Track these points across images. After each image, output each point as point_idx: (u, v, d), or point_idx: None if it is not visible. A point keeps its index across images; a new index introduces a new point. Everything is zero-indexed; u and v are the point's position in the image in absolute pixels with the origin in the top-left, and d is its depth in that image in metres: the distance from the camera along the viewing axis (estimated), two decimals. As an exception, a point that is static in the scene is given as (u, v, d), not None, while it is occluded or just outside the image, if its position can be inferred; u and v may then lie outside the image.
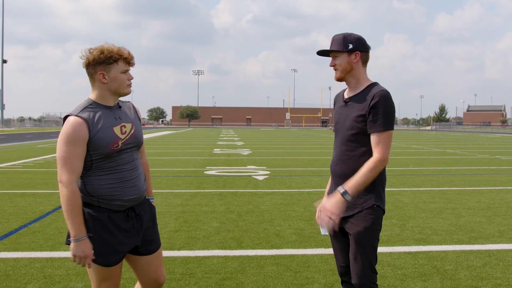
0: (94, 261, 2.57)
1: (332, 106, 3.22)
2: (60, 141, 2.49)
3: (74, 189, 2.46)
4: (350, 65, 2.83)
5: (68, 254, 4.97)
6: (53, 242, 5.42)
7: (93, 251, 2.53)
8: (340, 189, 2.67)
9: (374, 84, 2.85)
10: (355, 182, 2.67)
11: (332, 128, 3.12)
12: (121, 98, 2.77)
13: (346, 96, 2.94)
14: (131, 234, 2.66)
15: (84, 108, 2.56)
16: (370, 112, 2.72)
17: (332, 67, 2.88)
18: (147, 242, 2.76)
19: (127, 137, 2.62)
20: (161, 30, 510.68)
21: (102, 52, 2.54)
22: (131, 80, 2.67)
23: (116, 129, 2.58)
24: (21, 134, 42.33)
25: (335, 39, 2.86)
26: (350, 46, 2.82)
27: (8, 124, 78.12)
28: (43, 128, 69.43)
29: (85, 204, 2.58)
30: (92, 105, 2.58)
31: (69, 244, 2.54)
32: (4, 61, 70.74)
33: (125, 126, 2.63)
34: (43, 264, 4.65)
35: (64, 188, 2.45)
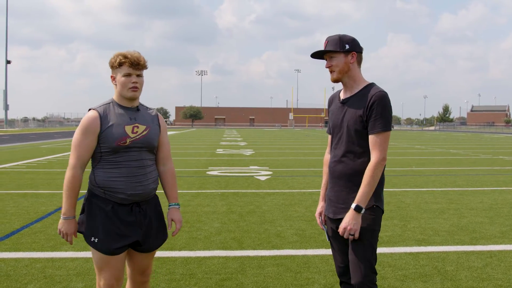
0: (96, 248, 2.76)
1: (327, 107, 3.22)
2: (76, 129, 2.80)
3: (76, 173, 2.75)
4: (347, 66, 2.82)
5: (69, 254, 5.00)
6: (55, 242, 5.43)
7: (72, 236, 2.82)
8: (352, 205, 2.72)
9: (371, 84, 2.85)
10: (363, 194, 2.71)
11: (328, 129, 3.11)
12: (147, 104, 3.01)
13: (342, 97, 2.93)
14: (134, 228, 2.81)
15: (103, 105, 2.84)
16: (369, 113, 2.73)
17: (328, 69, 2.87)
18: (150, 240, 2.89)
19: (137, 137, 2.79)
20: (164, 30, 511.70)
21: (114, 57, 2.82)
22: (136, 84, 2.79)
23: (128, 128, 2.78)
24: (24, 135, 42.45)
25: (330, 40, 2.85)
26: (347, 46, 2.82)
27: (12, 124, 78.35)
28: (46, 129, 69.61)
29: (93, 194, 2.81)
30: (111, 103, 2.85)
31: (81, 232, 2.84)
32: (8, 62, 70.88)
33: (138, 127, 2.82)
34: (44, 265, 4.66)
35: (68, 170, 2.76)
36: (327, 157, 3.15)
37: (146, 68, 2.87)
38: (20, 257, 4.89)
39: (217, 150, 22.61)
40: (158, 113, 3.04)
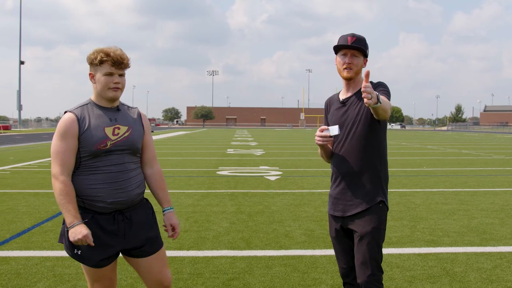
0: (80, 261, 2.61)
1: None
2: (54, 135, 2.60)
3: (64, 180, 2.53)
4: (361, 68, 2.89)
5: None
6: (64, 241, 5.48)
7: (91, 238, 2.52)
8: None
9: (370, 82, 2.90)
10: (385, 98, 2.65)
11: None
12: (127, 103, 2.80)
13: (342, 97, 2.96)
14: (116, 236, 2.63)
15: (80, 106, 2.64)
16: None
17: (347, 65, 2.84)
18: (141, 245, 2.70)
19: (119, 139, 2.61)
20: (176, 30, 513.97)
21: (93, 53, 2.60)
22: (118, 85, 2.60)
23: (108, 130, 2.59)
24: (37, 134, 42.85)
25: (358, 38, 2.84)
26: (367, 51, 2.90)
27: (26, 124, 79.18)
28: (59, 129, 70.09)
29: None
30: (89, 104, 2.65)
31: (62, 243, 2.64)
32: (22, 63, 71.69)
33: (119, 128, 2.63)
34: (53, 263, 4.71)
35: (55, 180, 2.54)
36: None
37: (129, 67, 2.68)
38: (30, 255, 4.95)
39: (228, 150, 22.64)
40: (141, 112, 2.85)
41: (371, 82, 2.87)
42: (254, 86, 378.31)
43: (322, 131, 2.84)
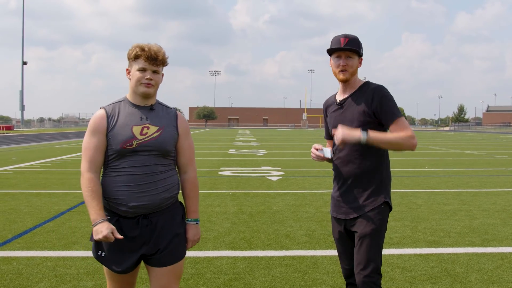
0: (103, 263, 2.58)
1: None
2: (86, 131, 2.58)
3: (90, 176, 2.48)
4: (357, 69, 2.86)
5: (80, 254, 5.05)
6: (66, 241, 5.50)
7: (113, 237, 2.43)
8: (362, 131, 2.67)
9: (367, 82, 2.89)
10: (380, 134, 2.69)
11: (326, 135, 3.15)
12: (166, 103, 2.70)
13: (339, 98, 2.95)
14: (139, 243, 2.54)
15: (114, 103, 2.60)
16: (378, 108, 2.74)
17: (342, 67, 2.81)
18: (160, 252, 2.58)
19: (146, 139, 2.50)
20: (178, 31, 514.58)
21: (132, 48, 2.55)
22: (150, 81, 2.52)
23: (136, 129, 2.50)
24: (40, 135, 42.94)
25: (351, 39, 2.80)
26: (361, 50, 2.87)
27: (28, 124, 79.31)
28: (62, 129, 70.33)
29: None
30: (123, 101, 2.60)
31: (93, 241, 2.56)
32: (25, 63, 71.78)
33: (148, 128, 2.53)
34: (55, 263, 4.72)
35: (82, 176, 2.51)
36: None
37: (166, 65, 2.59)
38: (32, 255, 4.96)
39: (230, 150, 22.65)
40: (178, 113, 2.69)
41: (368, 83, 2.86)
42: (257, 86, 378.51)
43: (316, 150, 2.93)
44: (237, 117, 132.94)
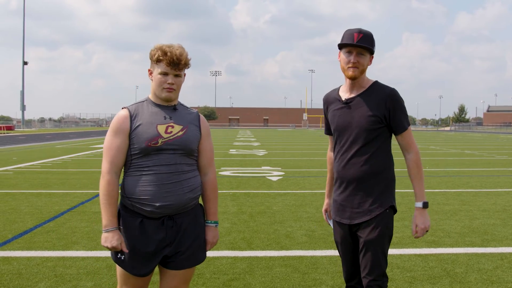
0: (122, 266, 2.53)
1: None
2: (107, 131, 2.55)
3: (110, 179, 2.46)
4: (367, 67, 2.72)
5: (80, 254, 5.06)
6: (66, 241, 5.50)
7: (120, 248, 2.46)
8: (419, 204, 2.79)
9: (376, 82, 2.78)
10: (421, 188, 2.83)
11: (326, 130, 3.04)
12: (188, 105, 2.71)
13: (344, 96, 2.80)
14: (163, 245, 2.52)
15: (137, 103, 2.59)
16: (391, 115, 2.69)
17: (353, 64, 2.65)
18: (180, 255, 2.56)
19: (171, 138, 2.49)
20: (179, 31, 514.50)
21: (154, 49, 2.53)
22: (172, 86, 2.51)
23: (161, 127, 2.50)
24: (41, 135, 42.96)
25: (366, 35, 2.64)
26: (374, 49, 2.72)
27: (29, 124, 79.35)
28: (62, 129, 70.37)
29: (123, 206, 2.55)
30: (145, 101, 2.59)
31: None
32: (25, 63, 71.87)
33: (172, 127, 2.52)
34: (55, 263, 4.73)
35: (101, 178, 2.49)
36: (330, 154, 3.06)
37: (188, 67, 2.56)
38: (32, 255, 4.97)
39: (230, 150, 22.65)
40: (200, 114, 2.71)
41: (377, 84, 2.75)
42: (257, 86, 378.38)
43: (325, 214, 3.17)
44: (238, 117, 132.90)
